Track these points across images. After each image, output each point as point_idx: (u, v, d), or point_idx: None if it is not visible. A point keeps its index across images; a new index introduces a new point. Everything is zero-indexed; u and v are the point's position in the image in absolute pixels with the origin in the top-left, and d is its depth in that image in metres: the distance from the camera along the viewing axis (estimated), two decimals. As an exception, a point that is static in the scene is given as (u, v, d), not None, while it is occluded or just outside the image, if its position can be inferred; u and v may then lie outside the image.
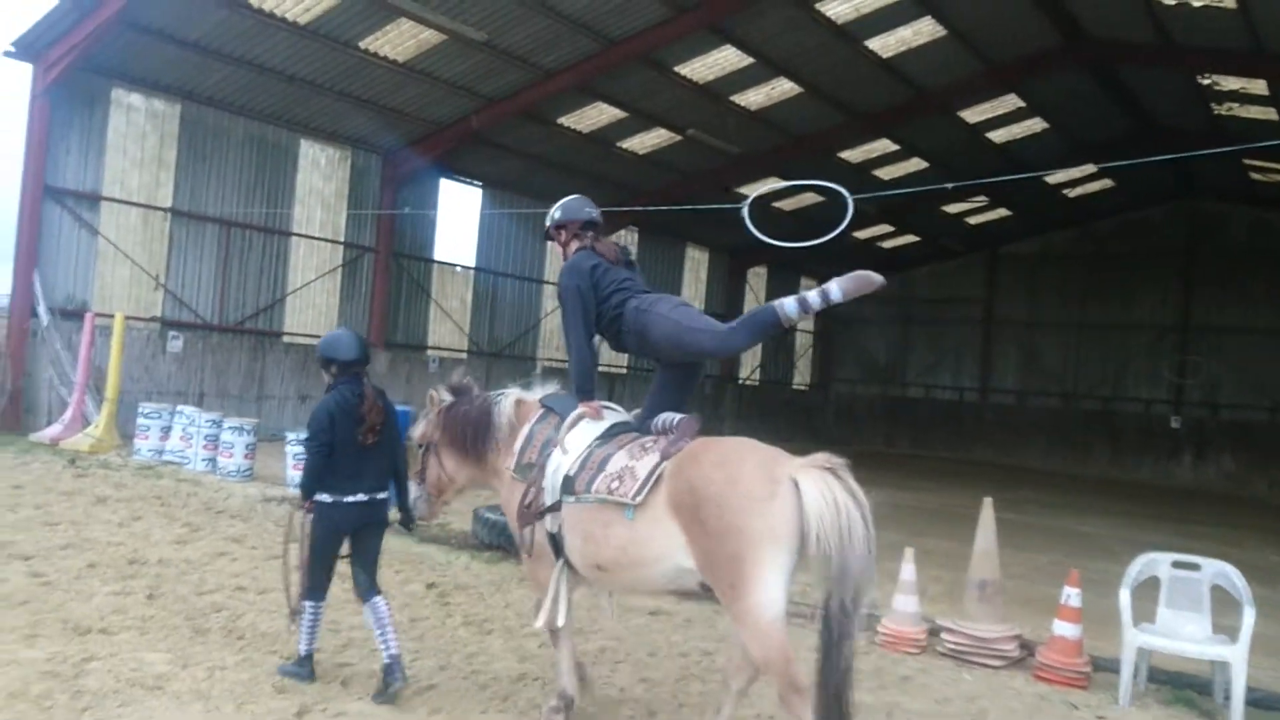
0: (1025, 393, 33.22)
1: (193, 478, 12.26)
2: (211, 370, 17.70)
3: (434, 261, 22.45)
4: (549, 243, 5.57)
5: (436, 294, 22.56)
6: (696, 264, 30.50)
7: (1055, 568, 10.71)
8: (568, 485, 4.67)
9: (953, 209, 29.66)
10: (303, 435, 6.04)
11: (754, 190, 25.47)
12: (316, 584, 5.38)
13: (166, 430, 13.39)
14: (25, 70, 15.74)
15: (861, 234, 29.84)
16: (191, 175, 17.68)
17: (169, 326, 17.35)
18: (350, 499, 5.32)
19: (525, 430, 5.10)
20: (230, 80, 17.21)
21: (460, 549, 9.35)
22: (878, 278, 4.32)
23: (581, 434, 4.84)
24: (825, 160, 23.87)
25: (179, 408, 13.55)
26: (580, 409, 4.95)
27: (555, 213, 5.39)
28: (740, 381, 32.62)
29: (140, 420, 13.52)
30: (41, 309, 15.50)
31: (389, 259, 20.97)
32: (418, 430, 5.59)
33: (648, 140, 22.48)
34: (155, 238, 17.37)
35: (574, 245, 5.25)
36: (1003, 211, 30.50)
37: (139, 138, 17.00)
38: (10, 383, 15.06)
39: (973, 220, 31.30)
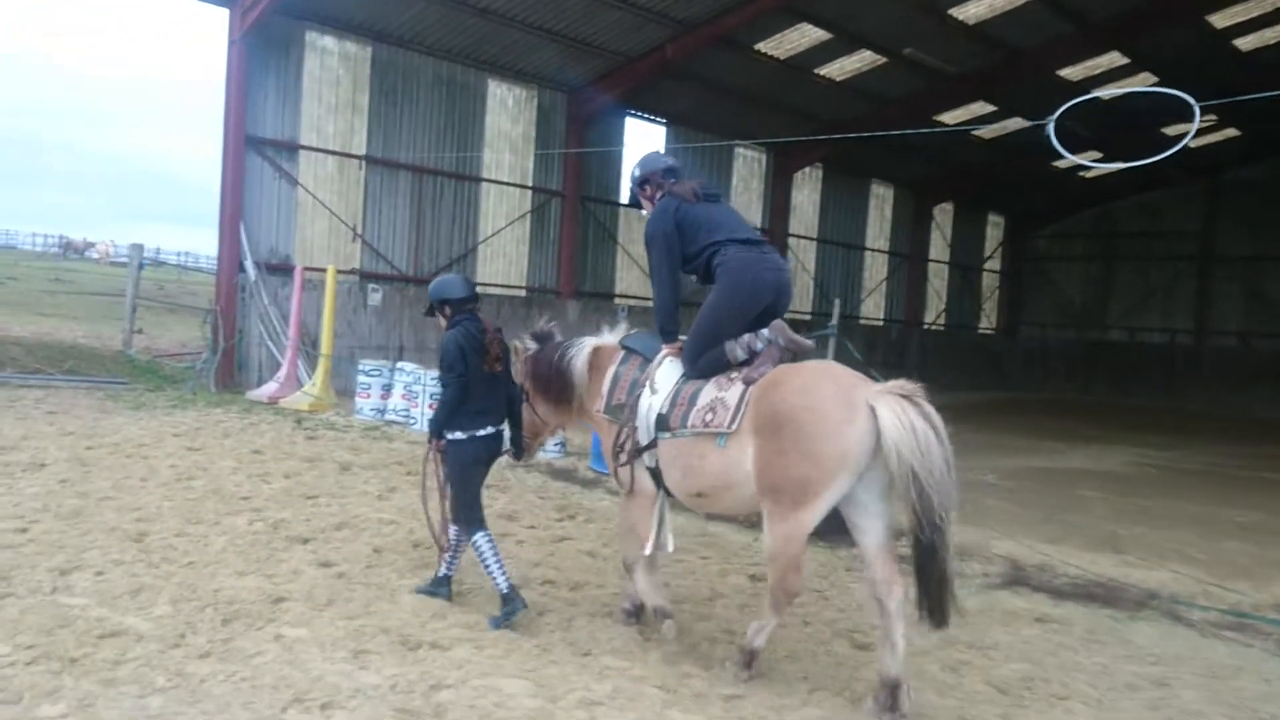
0: (1250, 335, 29.92)
1: (423, 439, 11.52)
2: (409, 324, 17.11)
3: (620, 205, 21.29)
4: (639, 207, 5.62)
5: (623, 239, 21.45)
6: (881, 201, 28.42)
7: None
8: (662, 423, 4.90)
9: (1171, 130, 26.50)
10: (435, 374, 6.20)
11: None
12: (474, 516, 5.44)
13: (387, 388, 12.73)
14: (221, 16, 15.23)
15: (1061, 164, 27.09)
16: (384, 120, 16.95)
17: (367, 279, 16.81)
18: (481, 433, 5.45)
19: (610, 372, 5.32)
20: (422, 17, 16.28)
21: (751, 529, 8.18)
22: (809, 344, 4.96)
23: (668, 372, 5.06)
24: (1041, 79, 21.49)
25: (399, 364, 12.86)
26: (665, 349, 5.17)
27: (635, 170, 5.49)
28: (925, 327, 30.55)
29: (360, 378, 12.91)
30: (248, 264, 15.11)
31: (576, 203, 19.92)
32: None
33: (848, 65, 20.57)
34: (351, 187, 16.75)
35: (658, 196, 5.34)
36: (1231, 132, 27.16)
37: (333, 83, 16.32)
38: (224, 340, 14.74)
39: (1194, 143, 27.97)
